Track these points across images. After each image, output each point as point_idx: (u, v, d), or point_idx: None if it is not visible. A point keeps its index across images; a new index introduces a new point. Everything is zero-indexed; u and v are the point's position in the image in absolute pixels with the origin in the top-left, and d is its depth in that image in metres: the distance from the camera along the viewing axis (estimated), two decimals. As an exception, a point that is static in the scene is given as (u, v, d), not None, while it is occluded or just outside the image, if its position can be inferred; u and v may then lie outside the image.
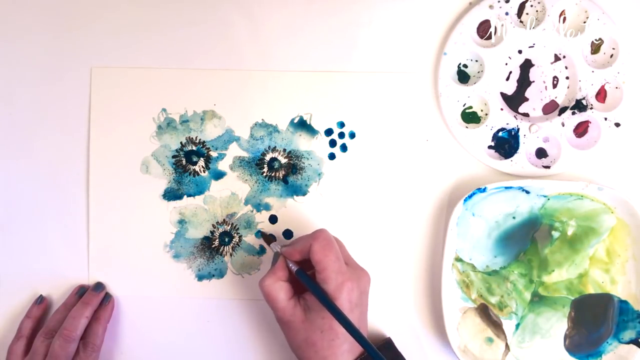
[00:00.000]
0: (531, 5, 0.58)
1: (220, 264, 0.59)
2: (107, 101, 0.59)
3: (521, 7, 0.58)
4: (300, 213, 0.59)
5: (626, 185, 0.58)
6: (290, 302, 0.51)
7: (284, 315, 0.51)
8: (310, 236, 0.51)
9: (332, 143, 0.59)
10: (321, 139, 0.59)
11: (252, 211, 0.59)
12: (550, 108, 0.59)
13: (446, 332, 0.56)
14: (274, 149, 0.59)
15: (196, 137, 0.59)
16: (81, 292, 0.58)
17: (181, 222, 0.59)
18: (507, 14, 0.58)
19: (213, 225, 0.59)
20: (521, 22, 0.59)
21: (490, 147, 0.59)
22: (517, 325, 0.58)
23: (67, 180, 0.59)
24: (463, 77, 0.59)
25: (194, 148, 0.59)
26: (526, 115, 0.59)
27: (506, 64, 0.59)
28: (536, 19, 0.58)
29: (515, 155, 0.58)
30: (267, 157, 0.59)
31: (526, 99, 0.59)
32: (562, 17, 0.58)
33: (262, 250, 0.59)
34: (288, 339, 0.52)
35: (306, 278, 0.51)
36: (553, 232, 0.58)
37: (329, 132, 0.59)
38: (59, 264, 0.59)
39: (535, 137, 0.58)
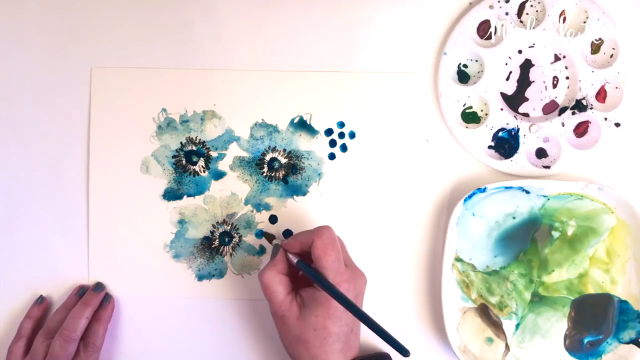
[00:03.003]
0: (531, 5, 0.58)
1: (220, 264, 0.59)
2: (107, 101, 0.59)
3: (521, 7, 0.58)
4: (301, 213, 0.59)
5: (626, 186, 0.58)
6: (288, 297, 0.51)
7: (280, 309, 0.50)
8: (313, 231, 0.51)
9: (332, 143, 0.59)
10: (321, 139, 0.59)
11: (252, 211, 0.59)
12: (550, 108, 0.59)
13: (446, 332, 0.56)
14: (274, 149, 0.59)
15: (196, 137, 0.59)
16: (81, 292, 0.58)
17: (181, 222, 0.59)
18: (507, 14, 0.58)
19: (213, 225, 0.59)
20: (521, 22, 0.59)
21: (490, 147, 0.59)
22: (517, 325, 0.58)
23: (67, 180, 0.59)
24: (463, 77, 0.59)
25: (194, 148, 0.59)
26: (526, 115, 0.59)
27: (506, 64, 0.59)
28: (536, 19, 0.58)
29: (515, 155, 0.58)
30: (267, 157, 0.59)
31: (526, 99, 0.59)
32: (562, 17, 0.58)
33: (262, 250, 0.59)
34: (280, 334, 0.52)
35: (307, 268, 0.50)
36: (553, 232, 0.58)
37: (329, 132, 0.59)
38: (59, 264, 0.59)
39: (535, 137, 0.58)
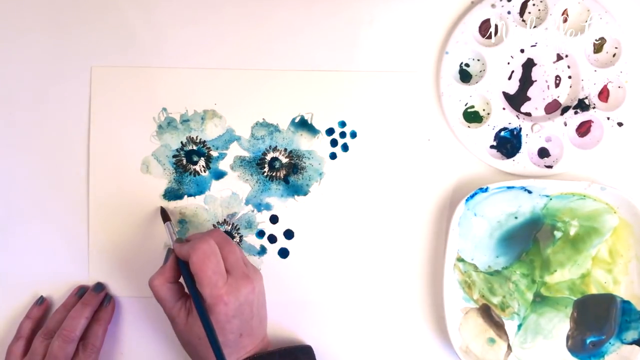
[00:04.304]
0: (533, 4, 0.58)
1: (221, 264, 0.59)
2: (107, 101, 0.59)
3: (523, 6, 0.58)
4: (302, 213, 0.59)
5: (629, 185, 0.58)
6: (177, 305, 0.51)
7: (169, 313, 0.52)
8: (190, 245, 0.50)
9: (334, 142, 0.59)
10: (322, 139, 0.59)
11: (252, 211, 0.59)
12: (553, 107, 0.59)
13: (448, 332, 0.56)
14: (274, 149, 0.59)
15: (197, 137, 0.59)
16: (81, 292, 0.57)
17: (182, 222, 0.59)
18: (509, 12, 0.58)
19: (214, 225, 0.59)
20: (523, 21, 0.58)
21: (492, 146, 0.58)
22: (519, 326, 0.57)
23: (67, 180, 0.59)
24: (465, 76, 0.59)
25: (195, 148, 0.59)
26: (528, 114, 0.59)
27: (508, 63, 0.58)
28: (538, 17, 0.58)
29: (518, 155, 0.58)
30: (268, 157, 0.59)
31: (528, 99, 0.59)
32: (564, 16, 0.58)
33: (262, 250, 0.59)
34: (175, 334, 0.53)
35: (191, 288, 0.50)
36: (555, 232, 0.57)
37: (330, 131, 0.59)
38: (59, 264, 0.59)
39: (537, 136, 0.58)
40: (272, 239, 0.59)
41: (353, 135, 0.59)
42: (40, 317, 0.58)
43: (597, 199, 0.57)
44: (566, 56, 0.58)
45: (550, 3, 0.57)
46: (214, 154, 0.59)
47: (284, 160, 0.59)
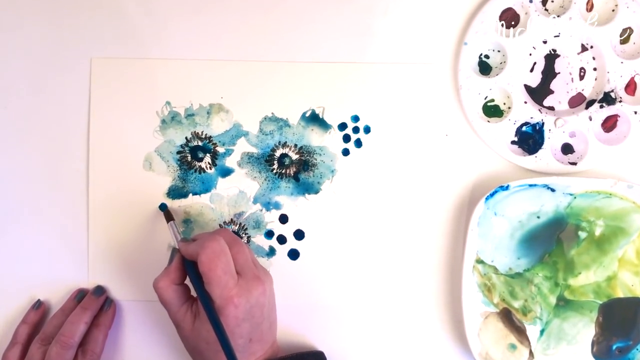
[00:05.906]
0: (556, -7, 0.57)
1: (228, 266, 0.57)
2: (108, 94, 0.57)
3: (546, -6, 0.57)
4: (312, 212, 0.57)
5: (657, 183, 0.56)
6: (183, 308, 0.50)
7: (175, 318, 0.50)
8: (198, 244, 0.49)
9: (346, 138, 0.57)
10: (334, 134, 0.57)
11: (261, 210, 0.57)
12: (577, 101, 0.57)
13: (467, 338, 0.55)
14: (284, 145, 0.57)
15: (202, 132, 0.57)
16: (80, 296, 0.56)
17: (186, 221, 0.57)
18: (531, 1, 0.56)
19: (220, 225, 0.57)
20: (546, 10, 0.57)
21: (513, 142, 0.57)
22: (542, 331, 0.56)
23: (66, 177, 0.58)
24: (484, 68, 0.57)
25: (200, 143, 0.57)
26: (551, 108, 0.57)
27: (530, 54, 0.57)
28: (562, 6, 0.56)
29: (540, 151, 0.56)
30: (277, 153, 0.57)
31: (551, 92, 0.57)
32: (589, 5, 0.56)
33: (271, 251, 0.57)
34: (181, 339, 0.51)
35: (199, 289, 0.49)
36: (580, 233, 0.56)
37: (342, 126, 0.57)
38: (57, 266, 0.57)
39: (561, 131, 0.56)
40: (282, 239, 0.57)
41: (367, 130, 0.57)
42: (37, 322, 0.56)
43: (624, 197, 0.55)
44: (591, 47, 0.56)
45: (575, -9, 0.55)
46: (221, 150, 0.57)
47: (294, 156, 0.57)
